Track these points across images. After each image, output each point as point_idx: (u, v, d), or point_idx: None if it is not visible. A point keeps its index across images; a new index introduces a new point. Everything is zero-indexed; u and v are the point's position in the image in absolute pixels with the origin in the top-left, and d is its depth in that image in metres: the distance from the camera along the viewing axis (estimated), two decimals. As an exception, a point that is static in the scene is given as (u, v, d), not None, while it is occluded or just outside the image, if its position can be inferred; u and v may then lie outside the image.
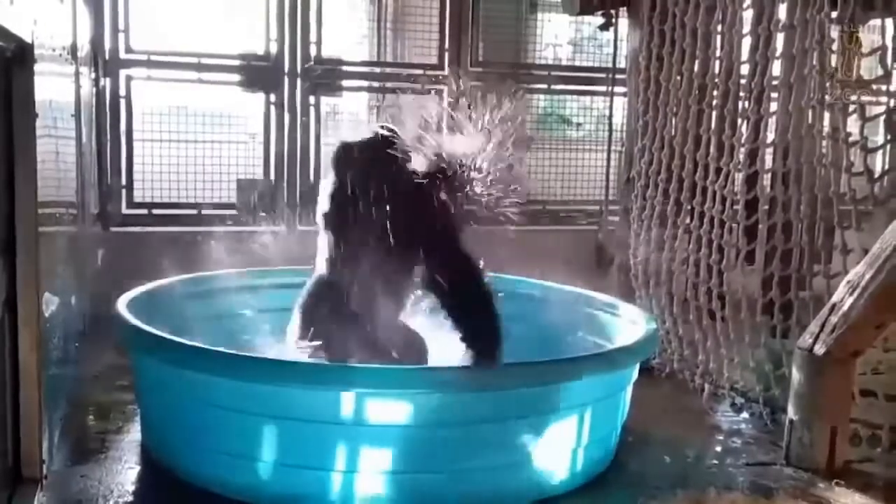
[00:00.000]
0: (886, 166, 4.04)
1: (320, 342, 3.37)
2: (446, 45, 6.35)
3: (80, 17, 4.42)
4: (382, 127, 3.43)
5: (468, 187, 3.31)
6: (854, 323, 3.43)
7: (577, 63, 6.91)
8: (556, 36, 6.88)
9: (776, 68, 4.23)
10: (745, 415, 4.23)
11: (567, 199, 6.70)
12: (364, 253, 3.34)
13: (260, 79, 5.99)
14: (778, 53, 4.17)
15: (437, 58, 6.37)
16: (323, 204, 3.49)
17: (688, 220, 4.72)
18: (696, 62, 4.73)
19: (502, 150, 3.33)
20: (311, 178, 6.04)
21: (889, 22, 3.56)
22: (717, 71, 4.60)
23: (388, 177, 3.32)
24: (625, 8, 5.55)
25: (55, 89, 3.30)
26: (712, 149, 4.55)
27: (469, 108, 3.30)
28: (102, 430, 3.73)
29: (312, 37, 6.03)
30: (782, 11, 4.14)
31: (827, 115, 3.92)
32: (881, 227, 3.47)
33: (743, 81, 4.41)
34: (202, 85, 5.96)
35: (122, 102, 5.75)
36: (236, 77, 5.99)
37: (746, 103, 4.40)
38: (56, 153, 3.29)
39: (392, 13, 6.60)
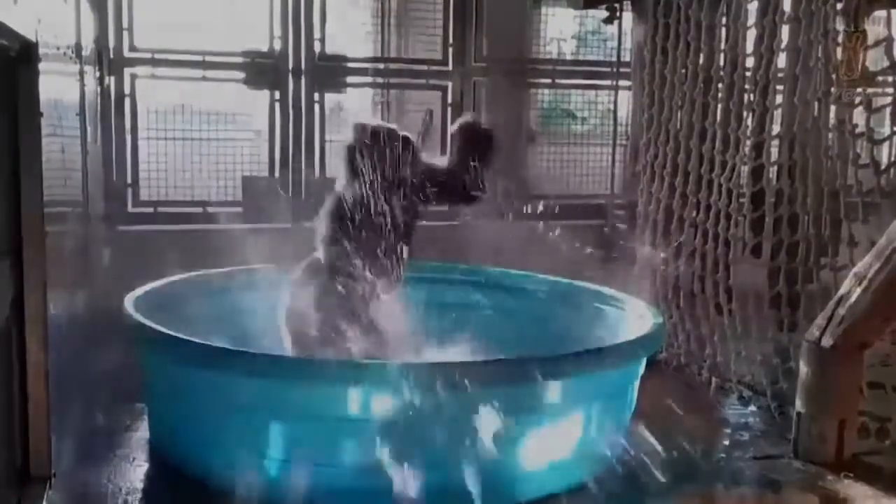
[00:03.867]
0: (893, 158, 4.03)
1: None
2: (450, 41, 6.34)
3: (84, 15, 4.42)
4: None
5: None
6: (861, 315, 3.42)
7: (581, 57, 6.90)
8: (561, 30, 6.86)
9: (781, 61, 4.22)
10: (752, 408, 4.23)
11: (572, 194, 6.69)
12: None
13: (264, 76, 5.99)
14: (783, 46, 4.16)
15: (441, 53, 6.36)
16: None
17: (694, 214, 4.71)
18: (701, 55, 4.72)
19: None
20: (317, 174, 6.04)
21: (895, 13, 3.53)
22: (722, 64, 4.60)
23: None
24: (629, 1, 5.54)
25: (60, 88, 3.30)
26: (718, 142, 4.54)
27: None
28: (111, 428, 3.74)
29: (316, 33, 6.03)
30: (787, 3, 4.13)
31: (833, 107, 3.90)
32: (888, 219, 3.46)
33: (748, 74, 4.40)
34: (207, 83, 5.97)
35: (127, 101, 5.76)
36: (241, 74, 6.00)
37: (752, 96, 4.39)
38: (61, 152, 3.29)
39: (395, 9, 6.59)
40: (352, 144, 3.75)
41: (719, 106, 4.58)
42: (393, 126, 3.84)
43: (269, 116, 6.03)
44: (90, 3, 5.02)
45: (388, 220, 3.64)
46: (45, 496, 2.79)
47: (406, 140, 3.77)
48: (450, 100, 6.35)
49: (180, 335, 3.22)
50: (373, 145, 3.69)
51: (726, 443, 3.83)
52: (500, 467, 3.09)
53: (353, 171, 3.72)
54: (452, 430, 3.01)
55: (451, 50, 6.35)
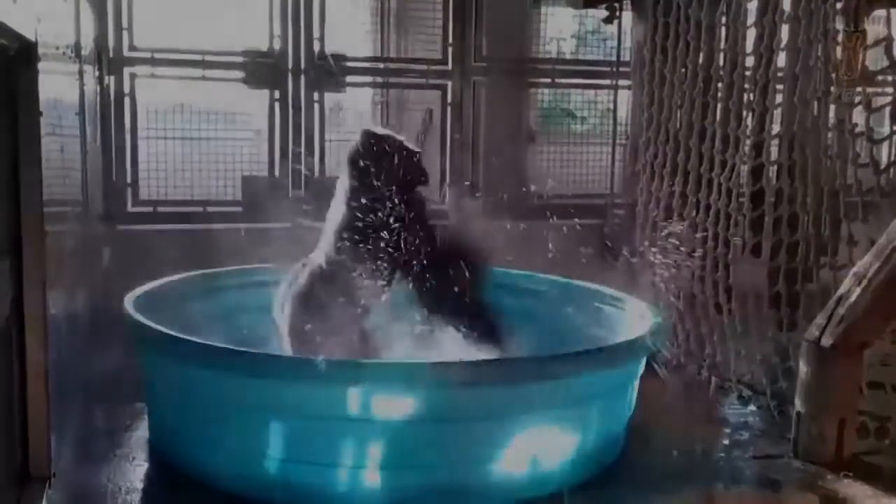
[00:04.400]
0: (892, 157, 4.03)
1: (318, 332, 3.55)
2: (450, 40, 6.34)
3: (83, 15, 4.42)
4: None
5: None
6: (861, 315, 3.42)
7: (581, 57, 6.90)
8: (561, 30, 6.86)
9: (781, 60, 4.22)
10: (752, 407, 4.23)
11: (572, 193, 6.68)
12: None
13: (264, 75, 5.99)
14: (783, 45, 4.15)
15: (441, 53, 6.36)
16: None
17: (693, 213, 4.71)
18: (701, 55, 4.72)
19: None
20: (317, 173, 6.04)
21: (895, 13, 3.53)
22: (721, 63, 4.59)
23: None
24: (629, 1, 5.54)
25: (59, 88, 3.30)
26: (717, 141, 4.54)
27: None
28: (110, 427, 3.74)
29: (316, 33, 6.02)
30: (787, 3, 4.13)
31: (832, 107, 3.90)
32: (888, 219, 3.46)
33: (748, 74, 4.40)
34: (206, 82, 5.97)
35: (127, 100, 5.76)
36: (240, 74, 5.99)
37: (751, 95, 4.39)
38: (61, 152, 3.28)
39: (395, 8, 6.59)
40: (356, 148, 3.74)
41: (719, 105, 4.58)
42: (402, 138, 3.84)
43: (268, 116, 6.03)
44: (90, 3, 5.01)
45: (388, 225, 3.63)
46: (45, 496, 2.79)
47: (412, 154, 3.77)
48: (449, 99, 6.35)
49: (180, 335, 3.22)
50: (378, 154, 3.69)
51: (726, 442, 3.83)
52: (499, 467, 3.10)
53: (356, 176, 3.71)
54: (451, 431, 3.01)
55: (450, 49, 6.34)
